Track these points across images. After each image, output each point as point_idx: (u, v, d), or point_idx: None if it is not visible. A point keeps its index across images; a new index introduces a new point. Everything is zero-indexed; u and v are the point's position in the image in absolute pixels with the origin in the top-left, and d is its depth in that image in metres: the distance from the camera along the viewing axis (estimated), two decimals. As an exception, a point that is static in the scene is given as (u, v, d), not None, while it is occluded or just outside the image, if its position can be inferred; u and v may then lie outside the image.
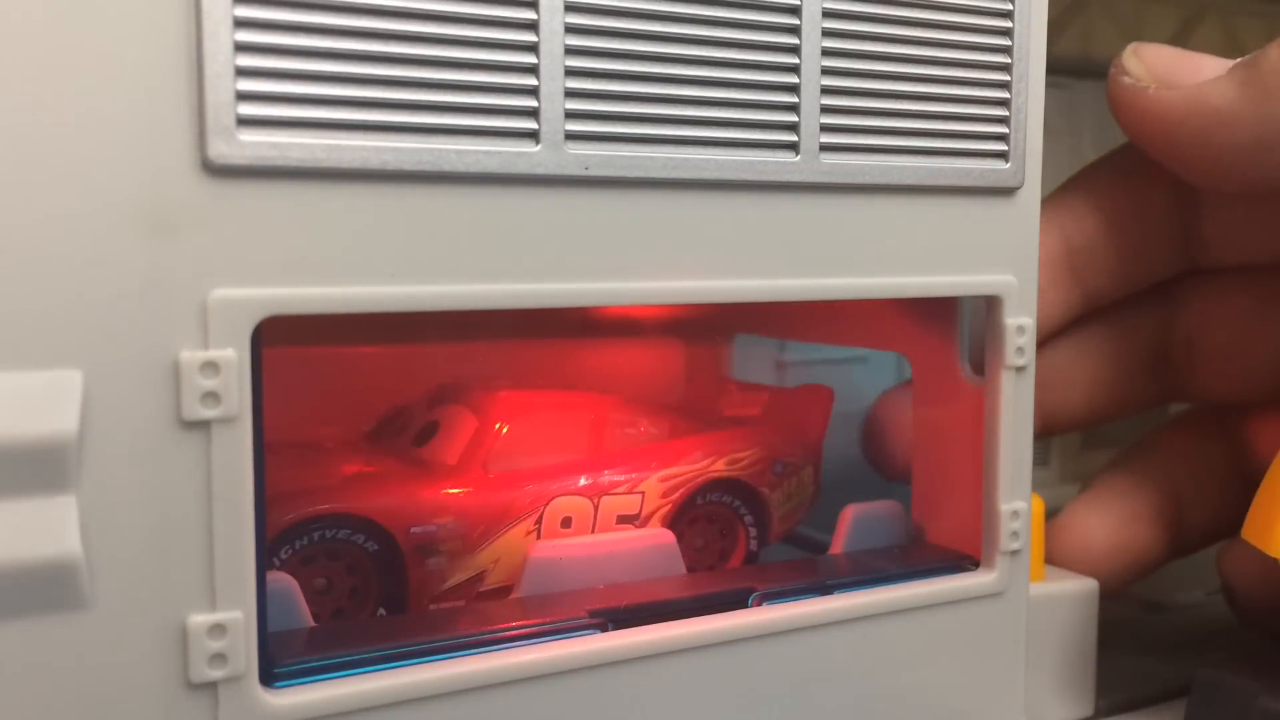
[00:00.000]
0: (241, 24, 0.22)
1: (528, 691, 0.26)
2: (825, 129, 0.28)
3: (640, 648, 0.27)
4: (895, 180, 0.29)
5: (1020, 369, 0.31)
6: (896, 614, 0.31)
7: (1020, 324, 0.31)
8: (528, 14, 0.24)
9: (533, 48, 0.24)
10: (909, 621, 0.31)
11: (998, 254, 0.31)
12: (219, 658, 0.22)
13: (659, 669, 0.28)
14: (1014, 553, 0.32)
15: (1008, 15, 0.30)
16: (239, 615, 0.22)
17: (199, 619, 0.22)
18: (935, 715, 0.32)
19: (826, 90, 0.28)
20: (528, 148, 0.24)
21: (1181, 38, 0.67)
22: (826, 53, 0.28)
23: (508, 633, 0.26)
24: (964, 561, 0.32)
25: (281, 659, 0.24)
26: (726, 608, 0.29)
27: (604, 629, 0.27)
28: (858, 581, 0.31)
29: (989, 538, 0.32)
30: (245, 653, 0.23)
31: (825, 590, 0.30)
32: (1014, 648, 0.33)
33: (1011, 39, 0.30)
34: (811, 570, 0.32)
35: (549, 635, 0.26)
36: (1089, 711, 0.36)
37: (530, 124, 0.24)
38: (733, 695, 0.29)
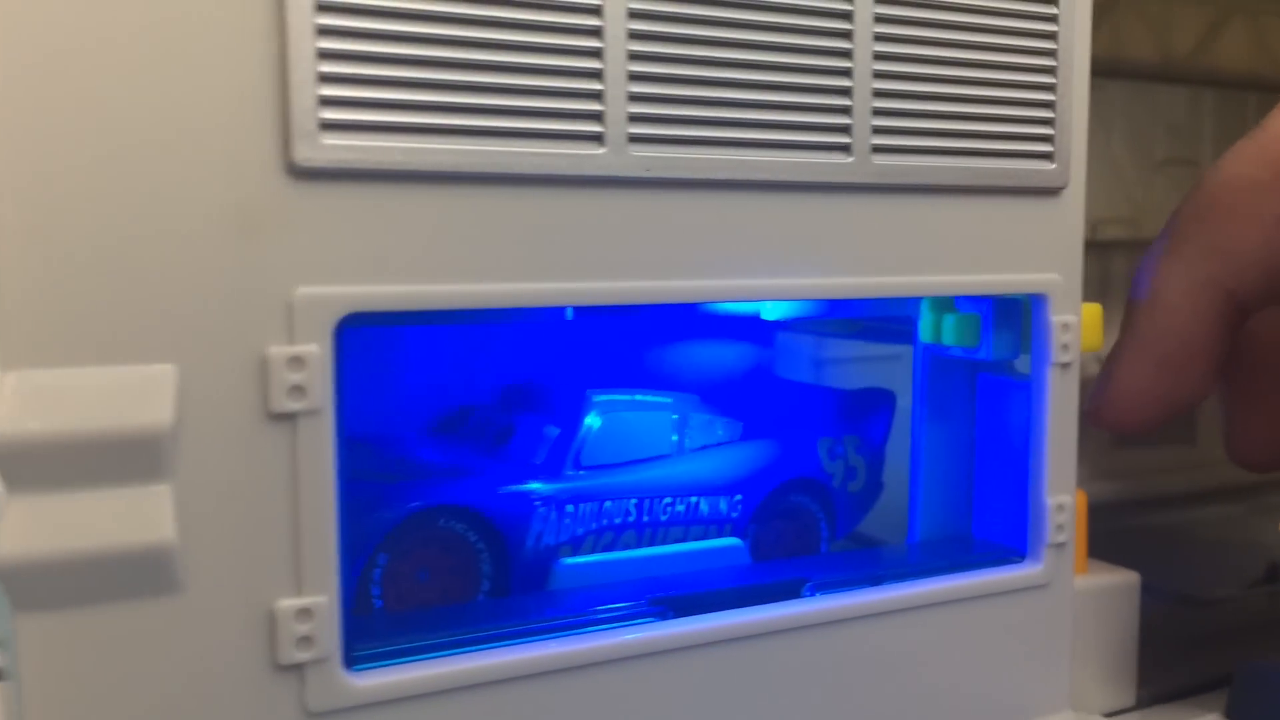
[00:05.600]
0: (324, 32, 0.23)
1: (592, 676, 0.27)
2: (877, 130, 0.29)
3: (699, 636, 0.28)
4: (945, 181, 0.30)
5: (1065, 365, 0.32)
6: (946, 605, 0.32)
7: (1065, 321, 0.32)
8: (593, 20, 0.25)
9: (597, 53, 0.25)
10: (958, 612, 0.32)
11: (1043, 253, 0.32)
12: (305, 641, 0.23)
13: (717, 656, 0.28)
14: (1060, 545, 0.33)
15: (1053, 19, 0.31)
16: (324, 600, 0.23)
17: (286, 603, 0.23)
18: (984, 704, 0.32)
19: (878, 93, 0.28)
20: (593, 150, 0.25)
21: (1209, 39, 0.68)
22: (878, 56, 0.28)
23: (574, 620, 0.27)
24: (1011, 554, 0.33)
25: (359, 643, 0.25)
26: (782, 597, 0.30)
27: (664, 617, 0.28)
28: (909, 573, 0.32)
29: (1035, 530, 0.33)
30: (330, 636, 0.23)
31: (878, 581, 0.31)
32: (1060, 638, 0.33)
33: (1057, 41, 0.31)
34: (866, 562, 0.33)
35: (613, 623, 0.27)
36: (1131, 701, 0.36)
37: (596, 127, 0.25)
38: (786, 682, 0.29)
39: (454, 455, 0.33)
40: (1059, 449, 0.32)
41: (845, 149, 0.28)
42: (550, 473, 0.31)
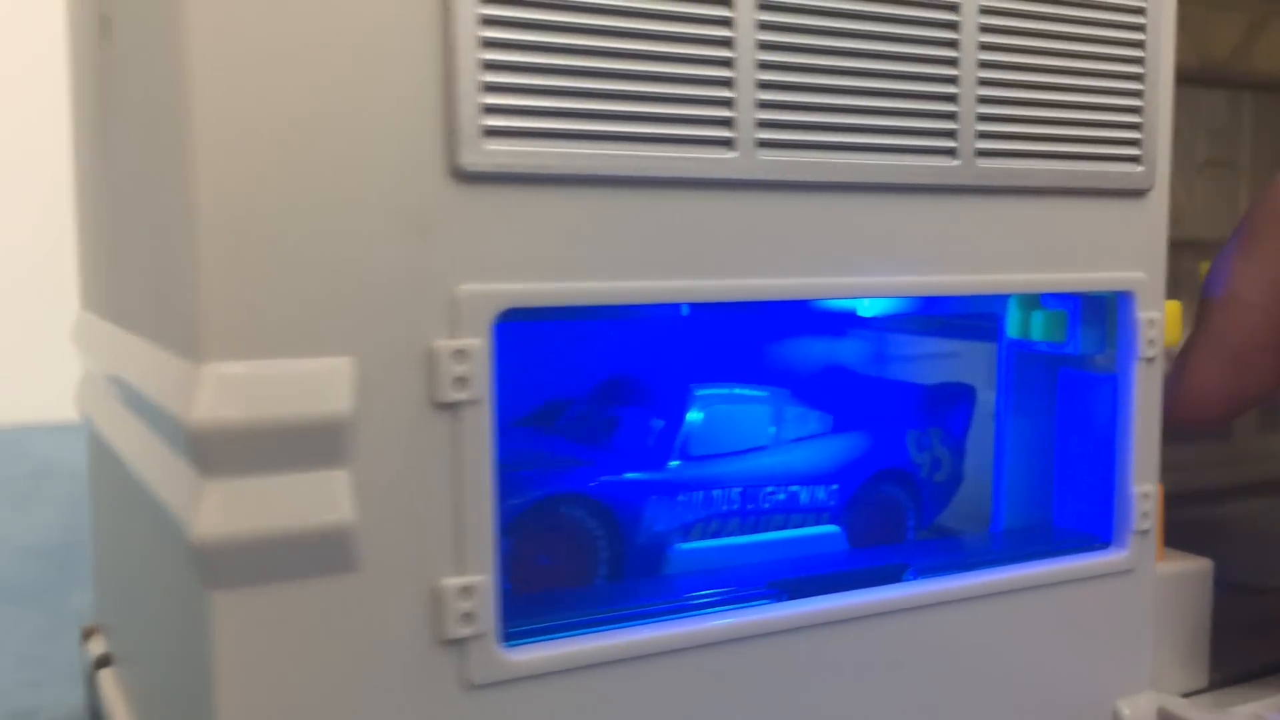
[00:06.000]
0: (486, 44, 0.24)
1: (721, 653, 0.28)
2: (981, 135, 0.30)
3: (815, 617, 0.29)
4: (1041, 183, 0.31)
5: (1150, 360, 0.34)
6: (1037, 589, 0.33)
7: (1151, 318, 0.33)
8: (725, 32, 0.26)
9: (729, 62, 0.27)
10: (1048, 596, 0.33)
11: (1131, 252, 0.33)
12: (467, 617, 0.25)
13: (828, 636, 0.30)
14: (1144, 532, 0.34)
15: (1140, 28, 0.32)
16: (484, 579, 0.25)
17: (450, 582, 0.24)
18: (1071, 684, 0.34)
19: (982, 99, 0.30)
20: (724, 154, 0.27)
21: (1246, 43, 0.69)
22: (983, 64, 0.30)
23: (701, 601, 0.28)
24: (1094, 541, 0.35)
25: (510, 621, 0.26)
26: (885, 582, 0.31)
27: (782, 599, 0.30)
28: (1000, 560, 0.33)
29: (1121, 518, 0.34)
30: (488, 613, 0.25)
31: (973, 567, 0.32)
32: (1143, 621, 0.35)
33: (1145, 49, 0.32)
34: (959, 549, 0.34)
35: (737, 604, 0.29)
36: (1204, 683, 0.38)
37: (727, 133, 0.27)
38: (889, 661, 0.31)
39: (558, 447, 0.34)
40: (1144, 440, 0.34)
41: (951, 153, 0.30)
42: (658, 463, 0.33)
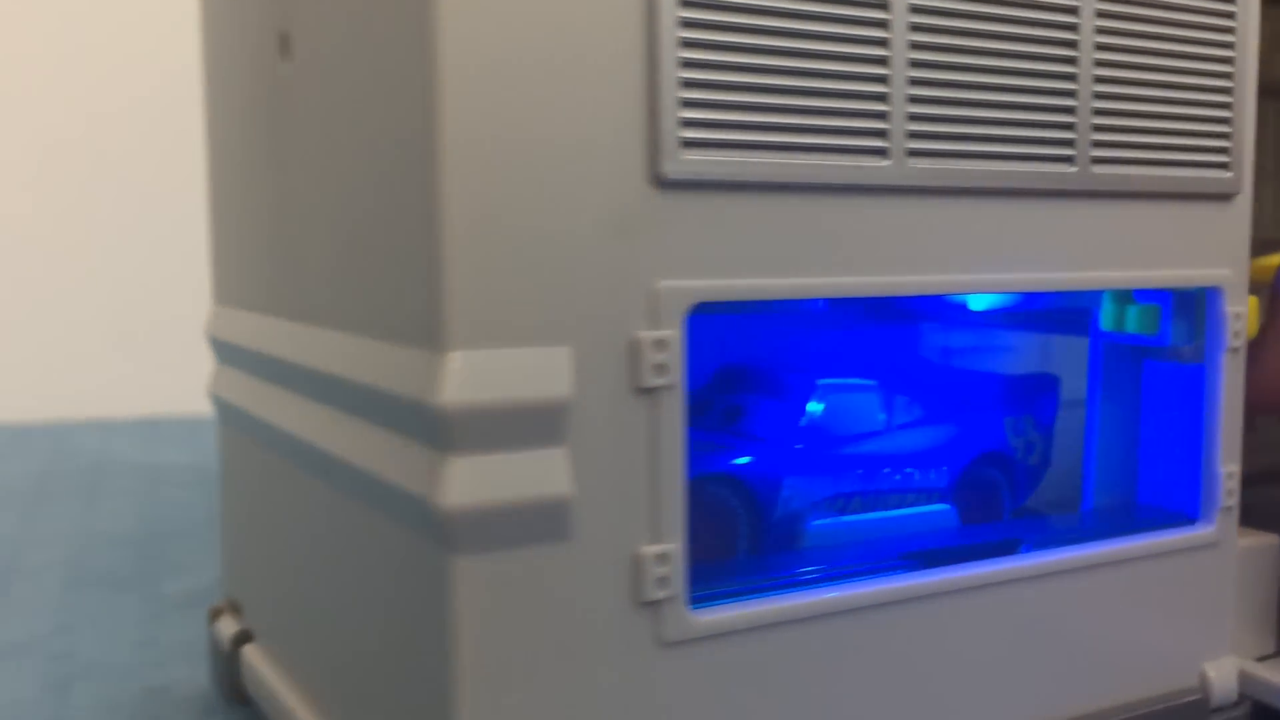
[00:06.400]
0: (685, 64, 0.27)
1: (863, 617, 0.31)
2: (1095, 144, 0.33)
3: (942, 585, 0.32)
4: (1145, 188, 0.34)
5: (1235, 350, 0.37)
6: (1132, 561, 0.36)
7: (1237, 311, 0.36)
8: (880, 62, 0.29)
9: (883, 79, 0.29)
10: (1141, 568, 0.36)
11: (1220, 251, 0.36)
12: (662, 580, 0.27)
13: (955, 602, 0.33)
14: (1229, 509, 0.37)
15: (1229, 45, 0.35)
16: (676, 547, 0.27)
17: (648, 549, 0.27)
18: (1162, 648, 0.37)
19: (1097, 111, 0.33)
20: (880, 162, 0.30)
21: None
22: (1098, 80, 0.33)
23: (847, 571, 0.31)
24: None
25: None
26: (1001, 554, 0.34)
27: (915, 569, 0.32)
28: (1099, 535, 0.36)
29: (1208, 496, 0.37)
30: (680, 578, 0.28)
31: (1075, 542, 0.35)
32: (1225, 591, 0.38)
33: (1233, 63, 0.35)
34: (1064, 526, 0.37)
35: (876, 574, 0.31)
36: (1272, 648, 0.41)
37: (882, 143, 0.30)
38: (1003, 624, 0.34)
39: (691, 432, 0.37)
40: (1229, 424, 0.37)
41: (1070, 160, 0.33)
42: (788, 447, 0.35)
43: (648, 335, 0.27)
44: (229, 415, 0.43)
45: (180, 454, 0.93)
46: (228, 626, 0.43)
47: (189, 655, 0.48)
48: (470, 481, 0.25)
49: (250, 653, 0.41)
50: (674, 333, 0.27)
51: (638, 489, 0.27)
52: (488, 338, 0.25)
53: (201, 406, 1.11)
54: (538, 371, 0.26)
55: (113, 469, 0.86)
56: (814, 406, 0.36)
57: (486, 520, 0.25)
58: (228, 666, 0.42)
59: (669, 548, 0.27)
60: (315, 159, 0.32)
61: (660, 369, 0.27)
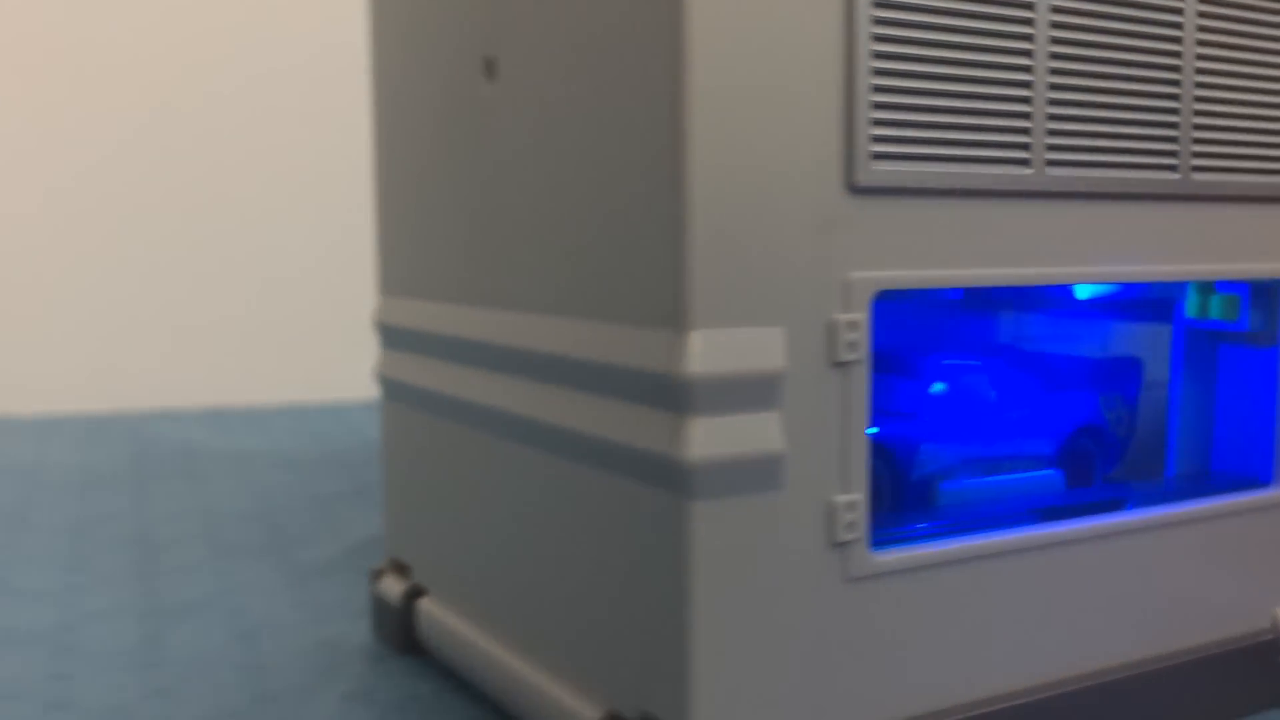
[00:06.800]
0: (877, 89, 0.32)
1: (1002, 561, 0.36)
2: (1195, 154, 0.38)
3: (1065, 535, 0.37)
4: (1239, 192, 0.39)
5: (1306, 333, 0.42)
6: (1217, 518, 0.41)
7: (1308, 299, 0.42)
8: (1024, 84, 0.34)
9: (1028, 100, 0.34)
10: (1224, 523, 0.41)
11: (1296, 246, 0.41)
12: (850, 525, 0.32)
13: (1071, 551, 0.38)
14: (1298, 473, 0.42)
15: (1304, 67, 0.40)
16: (861, 497, 0.33)
17: (840, 498, 0.32)
18: (1238, 593, 0.42)
19: (1197, 126, 0.38)
20: (1024, 170, 0.35)
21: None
22: (1198, 85, 0.38)
23: (988, 522, 0.36)
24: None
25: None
26: (1113, 509, 0.39)
27: (1043, 521, 0.37)
28: (1186, 495, 0.41)
29: (1279, 462, 0.42)
30: (863, 523, 0.33)
31: (1171, 500, 0.41)
32: (1294, 546, 0.43)
33: (1308, 86, 0.40)
34: (1159, 487, 0.42)
35: (1012, 526, 0.37)
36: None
37: (1026, 154, 0.35)
38: (1112, 570, 0.39)
39: None
40: (1301, 397, 0.42)
41: (1174, 169, 0.38)
42: (919, 416, 0.40)
43: (842, 317, 0.32)
44: (398, 393, 0.48)
45: (255, 441, 0.98)
46: (395, 585, 0.48)
47: (346, 613, 0.52)
48: (707, 439, 0.30)
49: (427, 605, 0.46)
50: (863, 315, 0.32)
51: (831, 447, 0.32)
52: (720, 320, 0.30)
53: (257, 398, 1.16)
54: (759, 347, 0.31)
55: (200, 455, 0.91)
56: (942, 382, 0.41)
57: (720, 471, 0.30)
58: (400, 620, 0.47)
59: (856, 497, 0.32)
60: (529, 171, 0.37)
61: (852, 346, 0.32)
